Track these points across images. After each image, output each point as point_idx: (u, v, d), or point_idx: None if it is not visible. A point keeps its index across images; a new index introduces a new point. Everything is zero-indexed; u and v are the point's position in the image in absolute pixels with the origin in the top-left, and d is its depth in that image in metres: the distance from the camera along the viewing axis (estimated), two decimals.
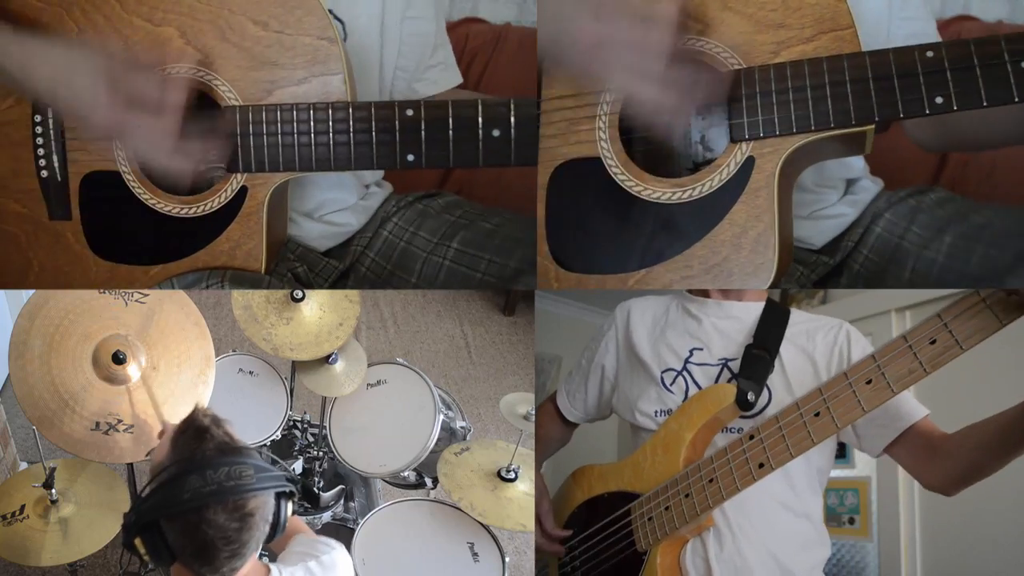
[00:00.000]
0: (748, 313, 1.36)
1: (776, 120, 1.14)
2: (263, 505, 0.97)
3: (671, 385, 1.35)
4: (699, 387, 1.33)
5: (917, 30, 1.37)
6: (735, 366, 1.32)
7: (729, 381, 1.30)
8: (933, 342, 1.04)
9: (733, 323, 1.36)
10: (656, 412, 1.35)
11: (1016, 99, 1.05)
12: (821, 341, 1.32)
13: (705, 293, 1.40)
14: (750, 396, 1.24)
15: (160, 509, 0.95)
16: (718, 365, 1.34)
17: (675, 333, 1.40)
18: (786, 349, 1.31)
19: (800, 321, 1.35)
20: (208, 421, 1.00)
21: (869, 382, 1.09)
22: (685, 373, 1.35)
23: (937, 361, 1.04)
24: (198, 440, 0.98)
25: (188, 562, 0.96)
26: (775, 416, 1.18)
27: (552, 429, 1.60)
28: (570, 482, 1.47)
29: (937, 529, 1.88)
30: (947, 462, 1.20)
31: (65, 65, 1.21)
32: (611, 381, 1.49)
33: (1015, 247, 1.23)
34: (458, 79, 1.59)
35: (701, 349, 1.36)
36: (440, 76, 1.55)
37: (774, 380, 1.29)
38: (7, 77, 1.25)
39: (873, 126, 1.11)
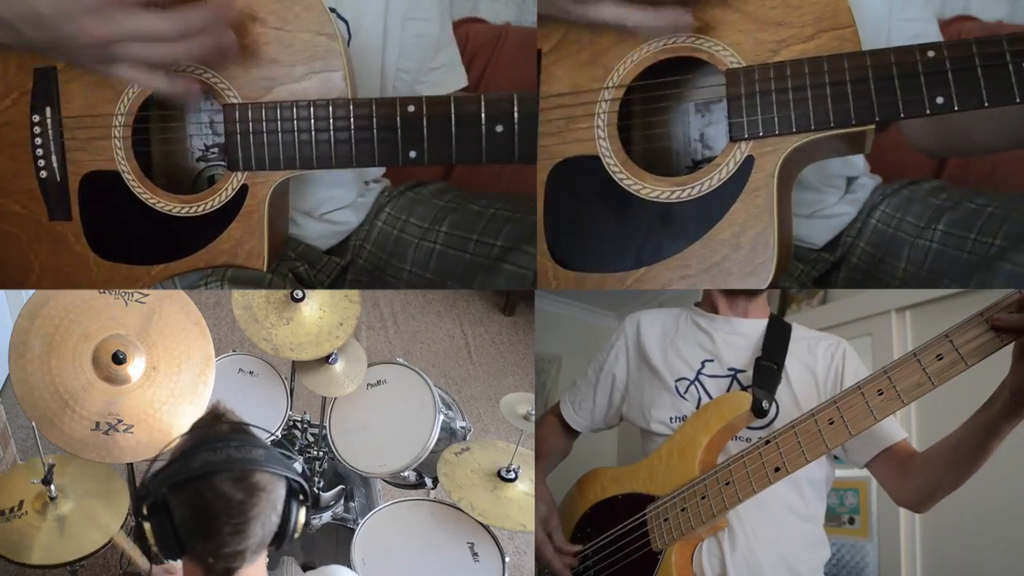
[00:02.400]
0: (754, 329, 1.41)
1: (776, 120, 1.13)
2: (272, 487, 0.96)
3: (684, 393, 1.39)
4: (710, 396, 1.37)
5: (919, 31, 1.37)
6: (743, 377, 1.37)
7: (741, 390, 1.35)
8: (940, 357, 1.08)
9: (741, 339, 1.41)
10: (671, 419, 1.39)
11: (1018, 99, 1.04)
12: (821, 356, 1.38)
13: (714, 309, 1.45)
14: (764, 404, 1.29)
15: (170, 479, 0.95)
16: (728, 376, 1.38)
17: (686, 345, 1.44)
18: (791, 364, 1.36)
19: (801, 337, 1.40)
20: (226, 412, 1.03)
21: (880, 393, 1.13)
22: (697, 383, 1.39)
23: (944, 375, 1.09)
24: (214, 423, 1.00)
25: (192, 544, 0.95)
26: (790, 424, 1.22)
27: (555, 442, 1.61)
28: (581, 485, 1.49)
29: (937, 529, 1.87)
30: (915, 480, 1.26)
31: None
32: (621, 390, 1.52)
33: (1007, 232, 1.24)
34: (463, 82, 1.58)
35: (712, 361, 1.41)
36: (443, 78, 1.55)
37: (781, 393, 1.33)
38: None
39: (873, 126, 1.11)
